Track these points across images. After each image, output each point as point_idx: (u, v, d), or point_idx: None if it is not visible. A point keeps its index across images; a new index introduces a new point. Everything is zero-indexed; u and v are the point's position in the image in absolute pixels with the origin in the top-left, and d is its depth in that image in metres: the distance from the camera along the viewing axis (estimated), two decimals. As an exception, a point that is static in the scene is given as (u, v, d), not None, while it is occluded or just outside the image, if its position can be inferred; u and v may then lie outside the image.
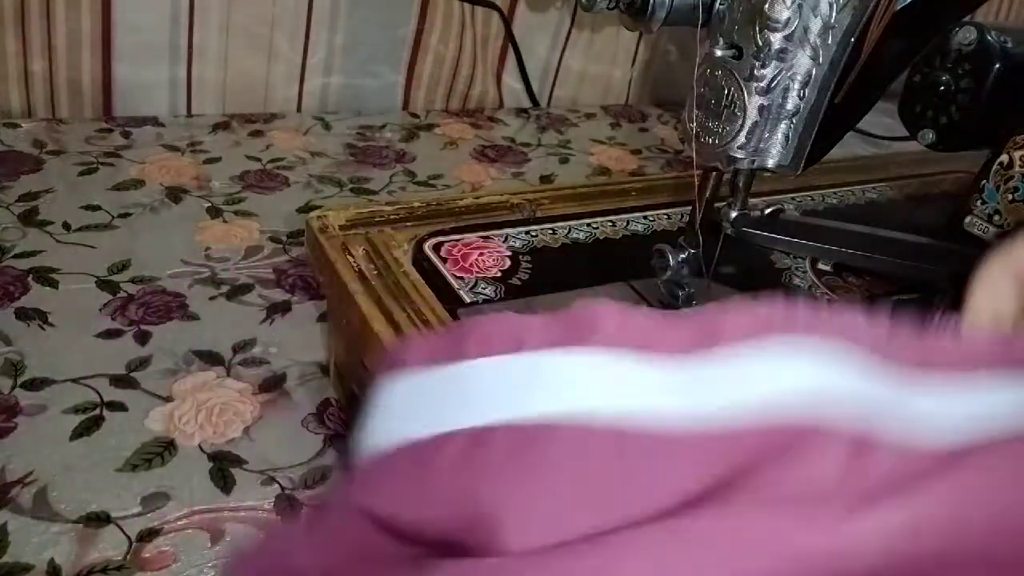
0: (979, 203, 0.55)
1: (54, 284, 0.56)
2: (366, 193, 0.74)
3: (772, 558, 0.18)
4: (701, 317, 0.22)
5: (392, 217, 0.50)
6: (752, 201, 0.44)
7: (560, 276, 0.47)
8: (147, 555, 0.40)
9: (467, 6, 0.90)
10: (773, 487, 0.19)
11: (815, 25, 0.35)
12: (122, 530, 0.41)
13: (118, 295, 0.56)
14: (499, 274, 0.46)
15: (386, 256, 0.46)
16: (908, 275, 0.50)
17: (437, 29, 0.90)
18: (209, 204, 0.68)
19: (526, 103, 0.99)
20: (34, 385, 0.48)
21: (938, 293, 0.44)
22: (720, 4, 0.37)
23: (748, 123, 0.37)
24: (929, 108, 0.54)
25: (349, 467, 0.23)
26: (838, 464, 0.19)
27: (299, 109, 0.88)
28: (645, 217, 0.54)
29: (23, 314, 0.53)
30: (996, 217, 0.54)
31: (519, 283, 0.46)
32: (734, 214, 0.44)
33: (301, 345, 0.54)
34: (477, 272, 0.46)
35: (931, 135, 0.55)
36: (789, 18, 0.35)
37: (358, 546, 0.22)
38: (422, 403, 0.22)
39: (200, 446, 0.46)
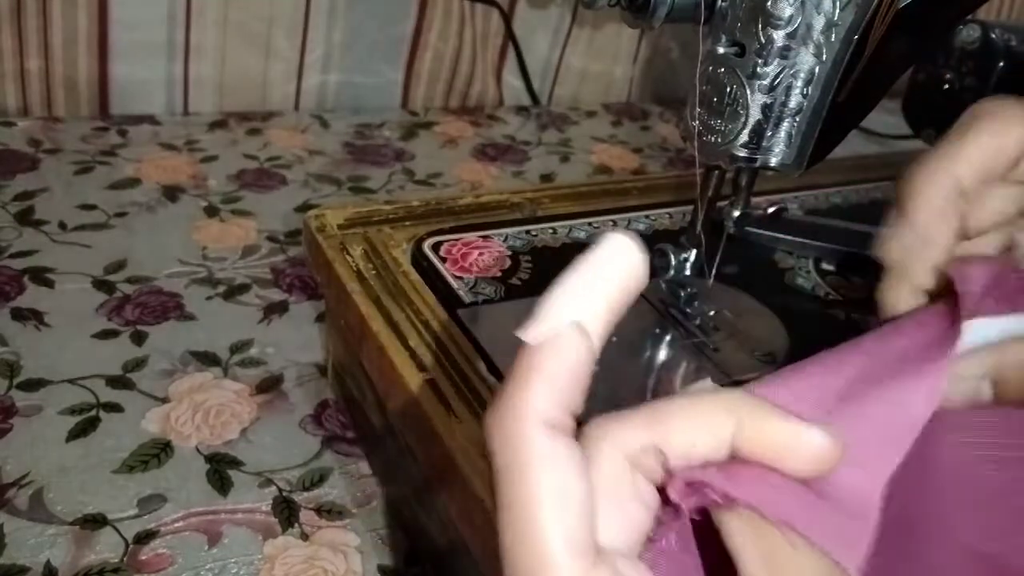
0: (982, 202, 0.55)
1: (50, 284, 0.56)
2: (364, 192, 0.73)
3: None
4: None
5: (391, 216, 0.49)
6: (755, 200, 0.44)
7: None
8: (144, 557, 0.39)
9: (467, 3, 0.90)
10: None
11: (818, 22, 0.35)
12: (119, 532, 0.40)
13: (114, 295, 0.56)
14: (499, 274, 0.46)
15: (384, 256, 0.45)
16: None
17: (436, 26, 0.90)
18: (206, 203, 0.68)
19: (526, 101, 0.99)
20: (30, 386, 0.48)
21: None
22: (722, 1, 0.37)
23: (751, 121, 0.36)
24: (933, 106, 0.54)
25: None
26: None
27: (297, 107, 0.87)
28: (647, 216, 0.54)
29: (19, 314, 0.53)
30: (999, 216, 0.54)
31: (519, 283, 0.45)
32: (736, 213, 0.43)
33: (299, 345, 0.54)
34: (477, 272, 0.45)
35: (935, 133, 0.54)
36: (792, 15, 0.34)
37: None
38: None
39: (197, 447, 0.46)
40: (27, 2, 0.72)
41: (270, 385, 0.51)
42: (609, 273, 0.17)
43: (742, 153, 0.37)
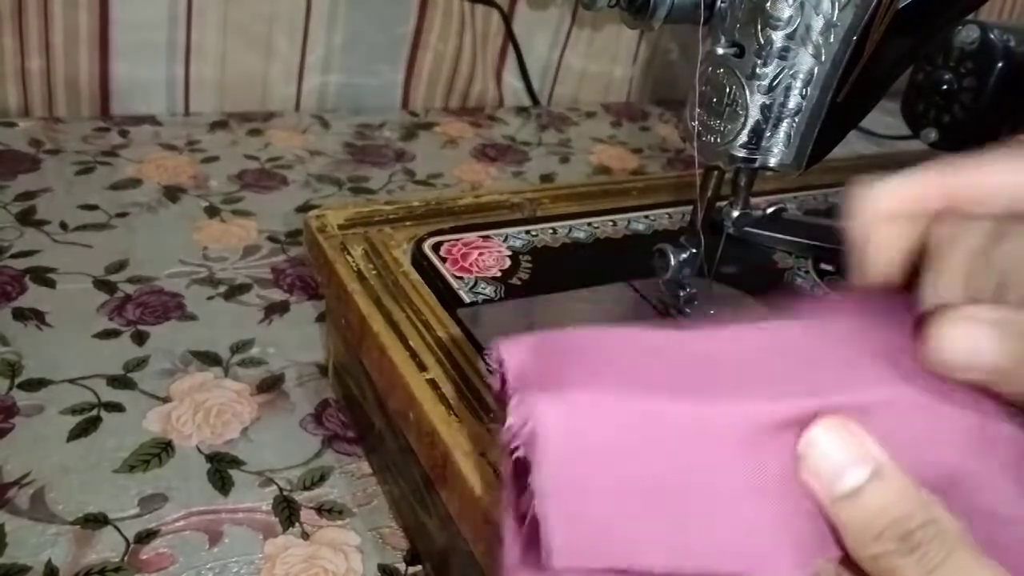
0: (981, 202, 0.55)
1: (51, 284, 0.56)
2: (365, 192, 0.74)
3: None
4: None
5: (391, 216, 0.49)
6: (754, 200, 0.44)
7: (560, 276, 0.46)
8: (145, 556, 0.39)
9: (467, 4, 0.90)
10: None
11: (817, 23, 0.35)
12: (120, 531, 0.40)
13: (115, 295, 0.56)
14: (499, 274, 0.46)
15: (385, 256, 0.45)
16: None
17: (437, 27, 0.90)
18: (207, 203, 0.68)
19: (526, 101, 0.99)
20: (31, 386, 0.48)
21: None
22: (722, 2, 0.37)
23: (750, 122, 0.36)
24: (932, 107, 0.54)
25: None
26: None
27: (298, 108, 0.88)
28: (646, 216, 0.54)
29: (20, 314, 0.53)
30: (999, 216, 0.54)
31: (519, 283, 0.45)
32: (736, 213, 0.43)
33: (299, 345, 0.54)
34: (477, 272, 0.46)
35: (934, 134, 0.55)
36: (791, 16, 0.35)
37: None
38: None
39: (198, 447, 0.46)
40: (28, 2, 0.73)
41: (271, 385, 0.51)
42: None
43: (741, 153, 0.37)
